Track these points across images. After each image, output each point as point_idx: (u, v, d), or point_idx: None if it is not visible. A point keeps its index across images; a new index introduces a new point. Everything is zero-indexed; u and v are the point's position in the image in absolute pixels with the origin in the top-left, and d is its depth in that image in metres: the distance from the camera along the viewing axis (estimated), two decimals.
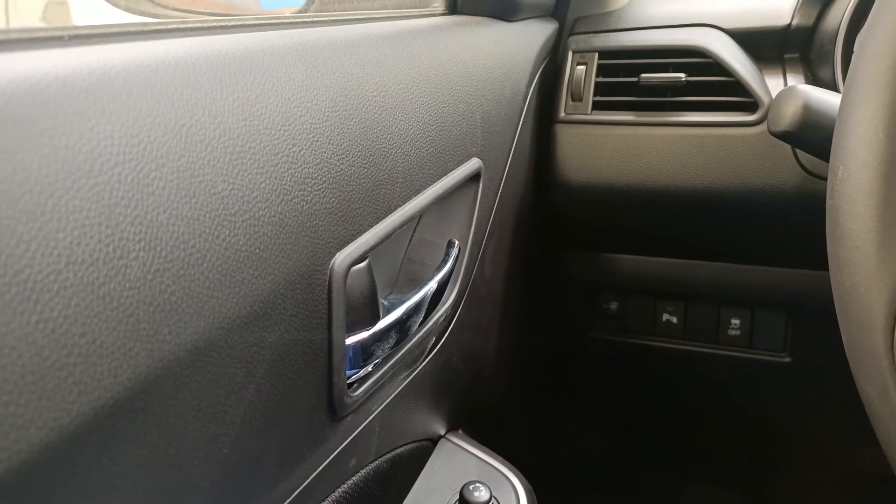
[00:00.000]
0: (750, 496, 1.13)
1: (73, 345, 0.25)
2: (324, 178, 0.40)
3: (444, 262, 0.57)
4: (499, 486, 0.64)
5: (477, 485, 0.60)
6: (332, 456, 0.47)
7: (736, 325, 0.89)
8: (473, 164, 0.60)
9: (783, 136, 0.60)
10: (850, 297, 0.40)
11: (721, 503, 1.14)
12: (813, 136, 0.58)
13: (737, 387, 0.95)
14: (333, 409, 0.44)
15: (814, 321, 0.85)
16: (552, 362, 1.04)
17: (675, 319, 0.91)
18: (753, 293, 0.86)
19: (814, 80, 0.79)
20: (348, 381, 0.45)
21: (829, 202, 0.42)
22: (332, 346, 0.41)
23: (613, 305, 0.93)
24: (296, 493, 0.43)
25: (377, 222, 0.45)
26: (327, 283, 0.40)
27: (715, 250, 0.86)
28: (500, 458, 0.68)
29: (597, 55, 0.84)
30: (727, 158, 0.78)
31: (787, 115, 0.58)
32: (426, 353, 0.61)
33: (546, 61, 0.83)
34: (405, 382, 0.57)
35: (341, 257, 0.41)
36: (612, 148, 0.82)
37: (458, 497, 0.61)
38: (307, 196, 0.38)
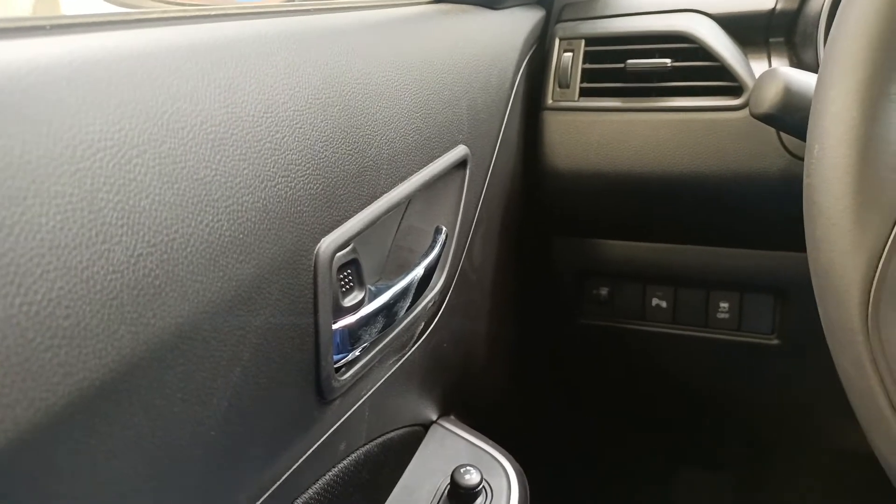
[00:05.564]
0: (741, 478, 1.14)
1: (58, 327, 0.25)
2: (307, 165, 0.40)
3: (432, 248, 0.57)
4: (490, 469, 0.65)
5: (468, 468, 0.61)
6: (322, 439, 0.48)
7: (725, 308, 0.90)
8: (460, 151, 0.60)
9: (764, 118, 0.60)
10: (827, 275, 0.41)
11: (712, 486, 1.15)
12: (794, 118, 0.58)
13: (727, 370, 0.96)
14: (321, 392, 0.44)
15: (800, 303, 0.86)
16: (543, 348, 1.05)
17: (664, 304, 0.91)
18: (741, 276, 0.87)
19: (798, 63, 0.80)
20: (336, 366, 0.45)
21: (805, 181, 0.43)
22: (319, 331, 0.42)
23: (604, 291, 0.93)
24: (286, 475, 0.44)
25: (362, 208, 0.45)
26: (313, 268, 0.41)
27: (703, 234, 0.86)
28: (491, 442, 0.68)
29: (583, 42, 0.84)
30: (713, 143, 0.78)
31: (768, 97, 0.58)
32: (415, 338, 0.61)
33: (533, 49, 0.84)
34: (395, 367, 0.58)
35: (326, 242, 0.41)
36: (600, 134, 0.82)
37: (449, 481, 0.61)
38: (291, 182, 0.39)
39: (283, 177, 0.38)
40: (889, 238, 0.39)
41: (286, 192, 0.38)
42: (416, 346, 0.62)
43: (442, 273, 0.61)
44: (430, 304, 0.61)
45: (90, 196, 0.27)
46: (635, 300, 0.92)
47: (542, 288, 0.97)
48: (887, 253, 0.39)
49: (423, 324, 0.62)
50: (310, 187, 0.40)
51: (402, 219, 0.59)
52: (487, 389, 0.88)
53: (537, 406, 1.11)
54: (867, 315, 0.39)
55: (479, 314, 0.80)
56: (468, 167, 0.62)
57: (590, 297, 0.94)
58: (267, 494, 0.42)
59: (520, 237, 0.87)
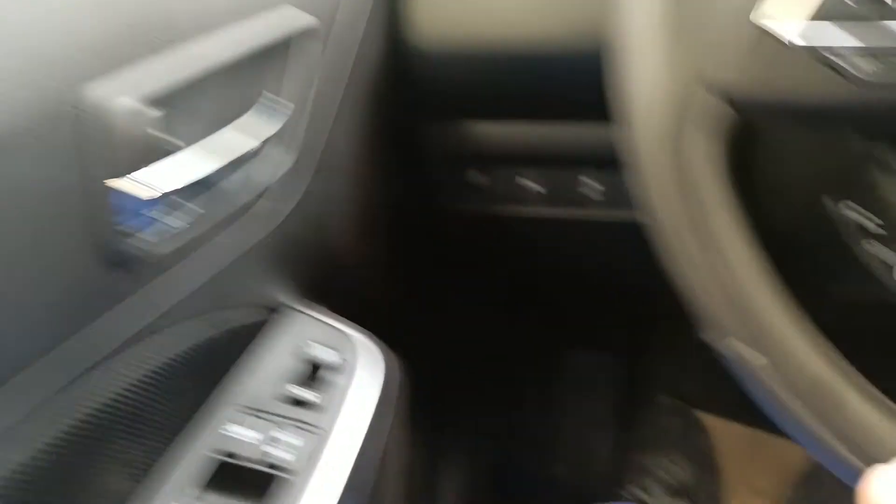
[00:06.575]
0: (626, 358, 1.18)
1: None
2: (76, 6, 0.36)
3: (266, 119, 0.54)
4: (352, 349, 0.63)
5: (322, 345, 0.59)
6: (117, 311, 0.44)
7: (596, 187, 0.89)
8: (298, 16, 0.56)
9: None
10: (633, 98, 0.41)
11: (598, 369, 1.19)
12: None
13: (603, 249, 0.97)
14: (112, 258, 0.41)
15: None
16: (416, 237, 1.04)
17: (537, 186, 0.90)
18: (613, 153, 0.87)
19: None
20: (132, 232, 0.42)
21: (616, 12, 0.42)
22: (98, 190, 0.39)
23: (476, 175, 0.92)
24: (67, 342, 0.41)
25: (150, 56, 0.41)
26: (85, 118, 0.37)
27: (574, 110, 0.85)
28: (353, 324, 0.66)
29: None
30: (582, 12, 0.76)
31: None
32: (259, 217, 0.58)
33: None
34: (230, 246, 0.55)
35: (102, 88, 0.37)
36: (463, 7, 0.79)
37: (301, 359, 0.58)
38: (53, 23, 0.34)
39: (43, 18, 0.34)
40: (697, 64, 0.39)
41: (47, 34, 0.34)
42: (263, 227, 0.59)
43: (287, 150, 0.58)
44: (280, 185, 0.58)
45: None
46: (508, 183, 0.91)
47: (413, 174, 0.94)
48: (695, 77, 0.39)
49: (268, 204, 0.59)
50: (78, 29, 0.36)
51: (229, 88, 0.55)
52: (354, 280, 0.87)
53: (411, 298, 1.10)
54: (671, 136, 0.40)
55: (344, 202, 0.77)
56: (312, 38, 0.58)
57: (462, 182, 0.93)
58: (43, 360, 0.39)
59: (389, 120, 0.84)
